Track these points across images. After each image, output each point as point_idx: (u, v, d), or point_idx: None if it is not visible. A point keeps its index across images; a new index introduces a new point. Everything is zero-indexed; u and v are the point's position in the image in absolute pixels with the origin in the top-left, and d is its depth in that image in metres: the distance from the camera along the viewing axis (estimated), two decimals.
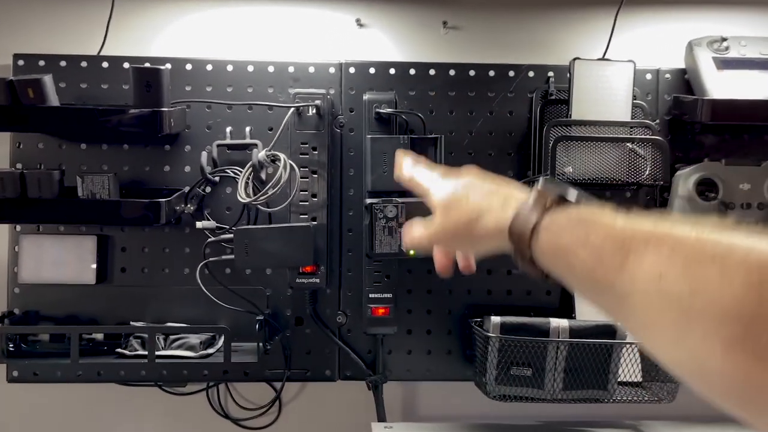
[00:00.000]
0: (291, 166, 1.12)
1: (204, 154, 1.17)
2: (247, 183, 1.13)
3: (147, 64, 1.14)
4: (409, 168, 0.77)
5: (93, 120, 1.07)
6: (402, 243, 0.87)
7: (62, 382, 1.21)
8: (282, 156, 1.12)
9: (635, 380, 1.12)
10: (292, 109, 1.15)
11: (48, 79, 1.08)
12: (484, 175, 0.69)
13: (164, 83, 1.09)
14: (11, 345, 1.12)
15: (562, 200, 0.59)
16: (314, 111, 1.17)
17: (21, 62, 1.21)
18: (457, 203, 0.67)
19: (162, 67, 1.10)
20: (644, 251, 0.47)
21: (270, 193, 1.09)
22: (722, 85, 1.20)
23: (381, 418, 1.22)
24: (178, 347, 1.12)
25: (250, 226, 1.15)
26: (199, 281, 1.13)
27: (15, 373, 1.20)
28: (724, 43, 1.23)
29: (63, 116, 1.08)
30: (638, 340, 0.50)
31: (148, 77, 1.08)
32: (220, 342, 1.17)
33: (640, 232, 0.49)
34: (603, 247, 0.51)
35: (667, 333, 0.45)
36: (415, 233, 0.72)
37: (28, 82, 1.07)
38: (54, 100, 1.09)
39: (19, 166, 1.20)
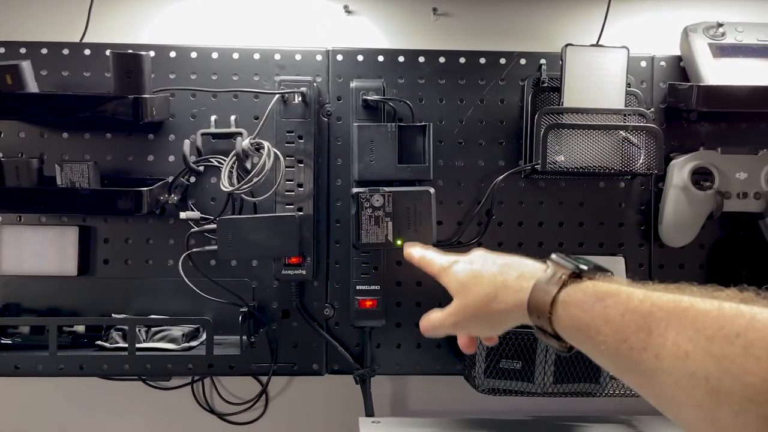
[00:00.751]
0: (275, 154, 1.09)
1: (187, 143, 1.14)
2: (231, 172, 1.11)
3: (130, 51, 1.12)
4: (420, 249, 0.85)
5: (72, 107, 1.04)
6: (420, 329, 0.83)
7: (44, 376, 1.18)
8: (266, 144, 1.09)
9: None
10: (276, 96, 1.12)
11: (26, 65, 1.06)
12: (492, 252, 0.71)
13: (145, 70, 1.07)
14: None
15: (577, 274, 0.59)
16: (300, 99, 1.15)
17: (1, 50, 1.19)
18: (474, 280, 0.68)
19: (143, 53, 1.07)
20: (667, 328, 0.47)
21: (254, 181, 1.06)
22: (718, 72, 1.17)
23: (369, 412, 1.20)
24: (160, 340, 1.09)
25: (233, 216, 1.12)
26: (182, 273, 1.10)
27: None
28: (720, 29, 1.20)
29: (42, 103, 1.05)
30: (669, 417, 0.49)
31: (128, 64, 1.06)
32: (203, 336, 1.14)
33: (661, 307, 0.49)
34: (624, 324, 0.50)
35: (698, 412, 0.44)
36: (435, 319, 0.73)
37: (6, 68, 1.04)
38: (33, 86, 1.07)
39: None
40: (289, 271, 1.15)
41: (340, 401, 1.25)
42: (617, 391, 1.07)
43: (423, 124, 1.13)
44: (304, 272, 1.15)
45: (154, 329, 1.11)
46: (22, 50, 1.19)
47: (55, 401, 1.24)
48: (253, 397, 1.24)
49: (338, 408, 1.25)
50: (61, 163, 1.07)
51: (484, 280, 0.67)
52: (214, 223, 1.12)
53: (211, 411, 1.24)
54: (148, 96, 1.07)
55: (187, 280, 1.10)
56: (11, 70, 1.04)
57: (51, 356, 1.03)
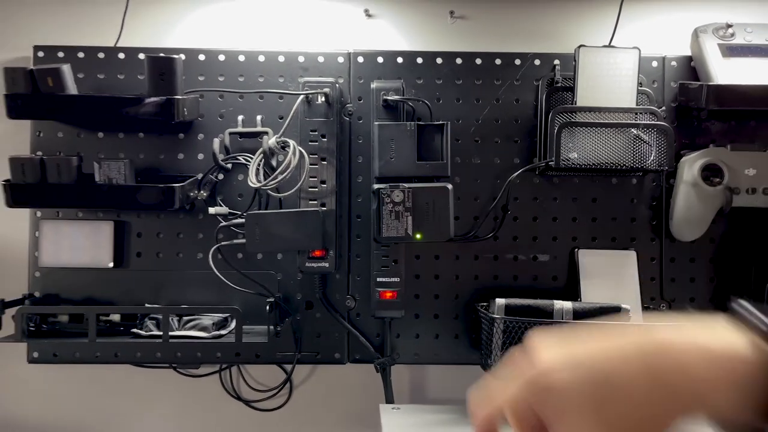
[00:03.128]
0: (300, 152, 1.15)
1: (216, 142, 1.20)
2: (257, 169, 1.16)
3: (161, 55, 1.18)
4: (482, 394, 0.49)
5: (110, 108, 1.11)
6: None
7: (80, 363, 1.25)
8: (291, 142, 1.15)
9: None
10: (301, 97, 1.18)
11: (66, 69, 1.12)
12: (598, 330, 0.46)
13: (177, 72, 1.13)
14: (32, 326, 1.16)
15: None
16: (323, 99, 1.20)
17: (41, 54, 1.25)
18: (618, 389, 0.42)
19: (175, 56, 1.13)
20: None
21: (280, 178, 1.12)
22: (728, 72, 1.21)
23: (389, 399, 1.25)
24: (192, 328, 1.15)
25: (261, 211, 1.18)
26: (211, 265, 1.16)
27: (35, 354, 1.25)
28: (730, 30, 1.24)
29: (81, 104, 1.12)
30: None
31: (162, 66, 1.12)
32: (233, 324, 1.20)
33: None
34: None
35: None
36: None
37: (48, 71, 1.11)
38: (72, 88, 1.13)
39: (39, 153, 1.24)
40: (312, 264, 1.21)
41: (360, 389, 1.30)
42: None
43: (441, 123, 1.18)
44: (327, 265, 1.21)
45: (185, 318, 1.17)
46: (60, 54, 1.25)
47: (90, 388, 1.30)
48: (278, 385, 1.29)
49: (359, 395, 1.30)
50: (99, 161, 1.13)
51: (641, 384, 0.42)
52: (243, 218, 1.18)
53: (238, 398, 1.30)
54: (180, 97, 1.13)
55: (217, 272, 1.16)
56: (52, 73, 1.10)
57: (90, 343, 1.10)
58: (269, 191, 1.17)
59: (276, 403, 1.30)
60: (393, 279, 1.21)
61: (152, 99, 1.11)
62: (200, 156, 1.26)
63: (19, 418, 1.30)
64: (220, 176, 1.25)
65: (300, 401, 1.31)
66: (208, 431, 1.31)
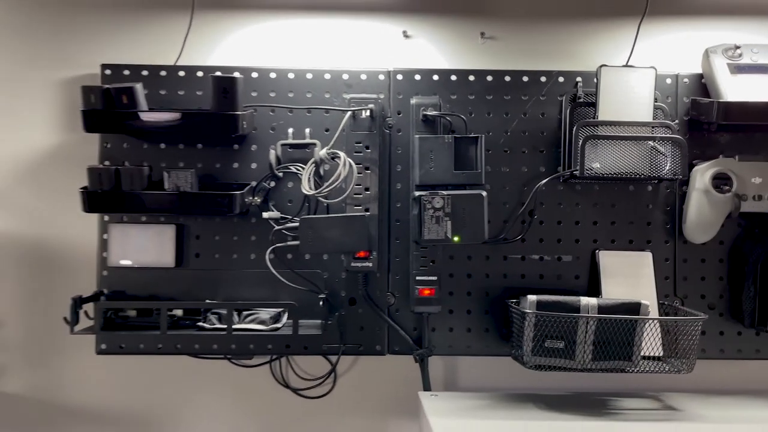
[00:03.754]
0: (350, 163, 1.27)
1: (272, 153, 1.32)
2: (309, 178, 1.28)
3: (218, 73, 1.30)
4: None
5: (179, 122, 1.23)
6: None
7: (145, 354, 1.37)
8: (342, 154, 1.27)
9: (657, 355, 1.25)
10: (349, 113, 1.30)
11: (139, 87, 1.24)
12: None
13: (238, 90, 1.25)
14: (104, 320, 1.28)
15: None
16: (368, 114, 1.32)
17: (108, 71, 1.37)
18: None
19: (237, 76, 1.25)
20: None
21: (332, 186, 1.24)
22: (736, 89, 1.33)
23: (426, 387, 1.37)
24: (251, 321, 1.27)
25: (313, 216, 1.30)
26: (268, 264, 1.28)
27: (103, 346, 1.37)
28: (738, 51, 1.35)
29: (153, 119, 1.24)
30: None
31: (225, 85, 1.23)
32: (284, 319, 1.32)
33: None
34: None
35: None
36: None
37: (123, 90, 1.22)
38: (144, 105, 1.25)
39: (107, 162, 1.36)
40: (357, 264, 1.33)
41: (399, 378, 1.42)
42: (648, 369, 1.23)
43: (476, 135, 1.29)
44: (370, 265, 1.33)
45: (245, 313, 1.29)
46: (126, 72, 1.38)
47: (152, 377, 1.42)
48: (323, 375, 1.41)
49: (398, 384, 1.42)
50: (168, 171, 1.25)
51: None
52: (296, 222, 1.29)
53: (287, 386, 1.42)
54: (240, 113, 1.25)
55: (273, 271, 1.28)
56: (127, 92, 1.22)
57: (153, 336, 1.22)
58: (319, 198, 1.29)
59: (321, 391, 1.42)
60: (431, 278, 1.33)
61: (216, 114, 1.23)
62: (253, 165, 1.38)
63: (87, 405, 1.41)
64: (272, 184, 1.37)
65: (344, 389, 1.43)
66: (259, 417, 1.42)
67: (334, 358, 1.40)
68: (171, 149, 1.38)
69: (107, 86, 1.23)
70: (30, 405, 1.41)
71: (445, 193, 1.25)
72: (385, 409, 1.43)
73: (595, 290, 1.36)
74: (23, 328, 1.40)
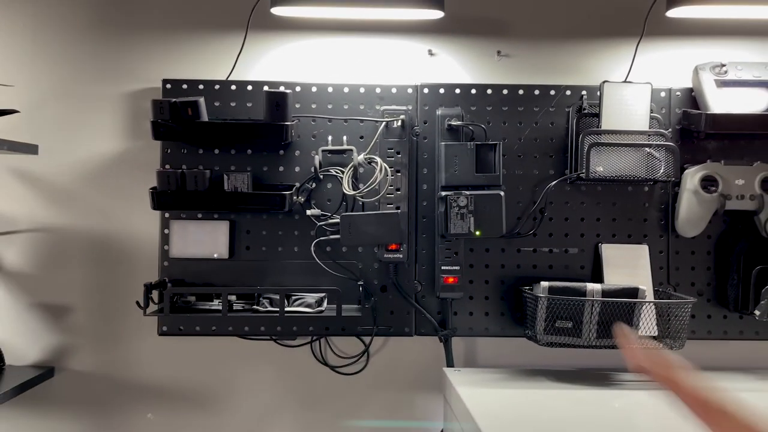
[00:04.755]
0: (385, 167, 1.45)
1: (317, 158, 1.50)
2: (348, 180, 1.47)
3: (266, 88, 1.49)
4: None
5: (237, 131, 1.41)
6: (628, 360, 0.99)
7: (201, 335, 1.55)
8: (378, 159, 1.45)
9: (652, 334, 1.44)
10: (383, 123, 1.48)
11: (202, 101, 1.42)
12: None
13: (289, 103, 1.43)
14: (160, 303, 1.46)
15: None
16: (399, 123, 1.50)
17: (168, 86, 1.55)
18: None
19: (288, 92, 1.43)
20: None
21: (370, 187, 1.42)
22: (721, 102, 1.51)
23: (450, 364, 1.55)
24: (299, 305, 1.46)
25: (352, 213, 1.48)
26: (314, 255, 1.47)
27: (165, 328, 1.55)
28: (724, 68, 1.54)
29: (214, 129, 1.42)
30: None
31: (277, 99, 1.42)
32: (325, 303, 1.50)
33: None
34: None
35: None
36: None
37: (188, 103, 1.41)
38: (205, 116, 1.43)
39: (167, 166, 1.54)
40: (390, 255, 1.51)
41: (424, 356, 1.60)
42: (645, 346, 1.41)
43: (494, 143, 1.48)
44: (401, 256, 1.51)
45: (293, 297, 1.47)
46: (184, 86, 1.56)
47: (206, 356, 1.60)
48: (357, 354, 1.59)
49: (423, 361, 1.60)
50: (227, 173, 1.44)
51: None
52: (337, 218, 1.48)
53: (325, 363, 1.60)
54: (290, 123, 1.43)
55: (319, 261, 1.47)
56: (192, 105, 1.40)
57: (222, 317, 1.40)
58: (357, 197, 1.47)
59: (356, 368, 1.60)
60: (454, 267, 1.51)
61: (270, 124, 1.41)
62: (297, 169, 1.56)
63: (149, 381, 1.59)
64: (314, 185, 1.55)
65: (375, 367, 1.61)
66: (300, 391, 1.61)
67: (367, 339, 1.59)
68: (224, 154, 1.56)
69: (174, 100, 1.41)
70: (99, 381, 1.59)
71: (468, 193, 1.44)
72: (412, 384, 1.61)
73: (598, 279, 1.55)
74: (93, 313, 1.58)
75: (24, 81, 1.56)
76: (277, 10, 1.44)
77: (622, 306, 1.39)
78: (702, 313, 1.57)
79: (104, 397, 1.59)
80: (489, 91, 1.57)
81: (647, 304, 1.40)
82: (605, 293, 1.40)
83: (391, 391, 1.62)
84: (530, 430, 1.19)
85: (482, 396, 1.33)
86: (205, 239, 1.54)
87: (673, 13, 1.46)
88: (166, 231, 1.55)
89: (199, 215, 1.55)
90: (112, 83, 1.58)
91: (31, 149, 1.47)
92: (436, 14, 1.45)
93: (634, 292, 1.40)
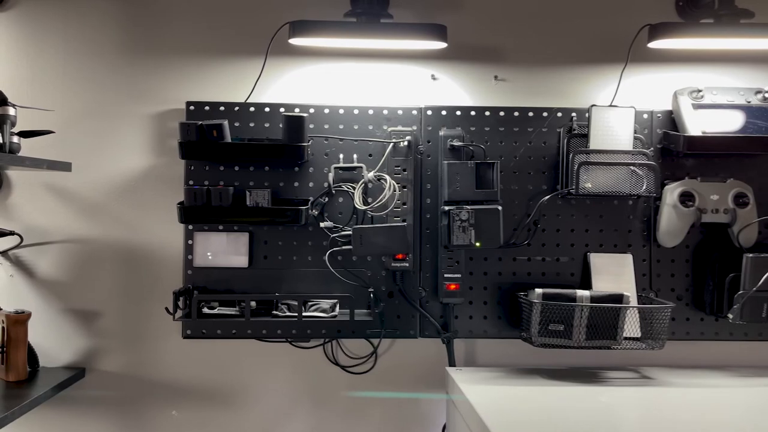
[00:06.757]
0: (393, 184, 1.59)
1: (330, 175, 1.64)
2: (360, 195, 1.60)
3: (282, 110, 1.62)
4: None
5: (259, 151, 1.54)
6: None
7: (222, 339, 1.68)
8: (388, 177, 1.59)
9: (635, 336, 1.58)
10: (392, 143, 1.62)
11: (226, 124, 1.55)
12: None
13: (305, 126, 1.56)
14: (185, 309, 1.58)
15: None
16: (406, 143, 1.64)
17: (192, 107, 1.68)
18: None
19: (305, 115, 1.57)
20: None
21: (380, 202, 1.56)
22: (698, 124, 1.66)
23: (452, 363, 1.69)
24: (315, 310, 1.59)
25: (363, 225, 1.61)
26: (328, 265, 1.60)
27: (189, 332, 1.68)
28: (700, 93, 1.69)
29: (238, 149, 1.55)
30: None
31: (296, 122, 1.55)
32: (337, 309, 1.63)
33: None
34: None
35: None
36: None
37: (213, 126, 1.53)
38: (228, 137, 1.56)
39: (191, 182, 1.67)
40: (397, 264, 1.65)
41: (428, 356, 1.74)
42: (629, 346, 1.57)
43: (492, 161, 1.62)
44: (407, 265, 1.65)
45: (309, 303, 1.60)
46: (206, 108, 1.68)
47: (227, 357, 1.73)
48: (366, 355, 1.73)
49: (427, 361, 1.74)
50: (249, 190, 1.57)
51: None
52: (347, 230, 1.61)
53: (336, 363, 1.73)
54: (306, 144, 1.57)
55: (333, 270, 1.60)
56: (217, 127, 1.53)
57: (245, 321, 1.53)
58: (367, 211, 1.60)
59: (365, 368, 1.74)
60: (456, 275, 1.65)
61: (288, 145, 1.54)
62: (311, 184, 1.69)
63: (173, 382, 1.72)
64: (326, 199, 1.68)
65: (383, 366, 1.74)
66: (313, 388, 1.74)
67: (375, 341, 1.72)
68: (243, 170, 1.68)
69: (201, 123, 1.54)
70: (127, 381, 1.71)
71: (469, 207, 1.58)
72: (416, 382, 1.75)
73: (587, 285, 1.70)
74: (121, 318, 1.71)
75: (57, 103, 1.68)
76: (295, 41, 1.58)
77: (608, 310, 1.53)
78: (681, 316, 1.72)
79: (132, 396, 1.71)
80: (487, 113, 1.71)
81: (631, 308, 1.55)
82: (593, 299, 1.54)
83: (397, 388, 1.75)
84: (528, 421, 1.33)
85: (484, 392, 1.47)
86: (226, 249, 1.67)
87: (654, 45, 1.61)
88: (190, 242, 1.68)
89: (220, 227, 1.68)
90: (139, 104, 1.70)
91: (65, 166, 1.60)
92: (440, 45, 1.59)
93: (619, 298, 1.54)
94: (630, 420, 1.41)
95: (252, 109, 1.69)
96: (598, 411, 1.41)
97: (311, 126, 1.68)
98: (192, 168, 1.68)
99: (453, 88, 1.75)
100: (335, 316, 1.61)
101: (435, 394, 1.73)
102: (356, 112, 1.70)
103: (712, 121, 1.68)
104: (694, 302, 1.73)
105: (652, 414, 1.42)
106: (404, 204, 1.65)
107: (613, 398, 1.49)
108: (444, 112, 1.71)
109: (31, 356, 1.63)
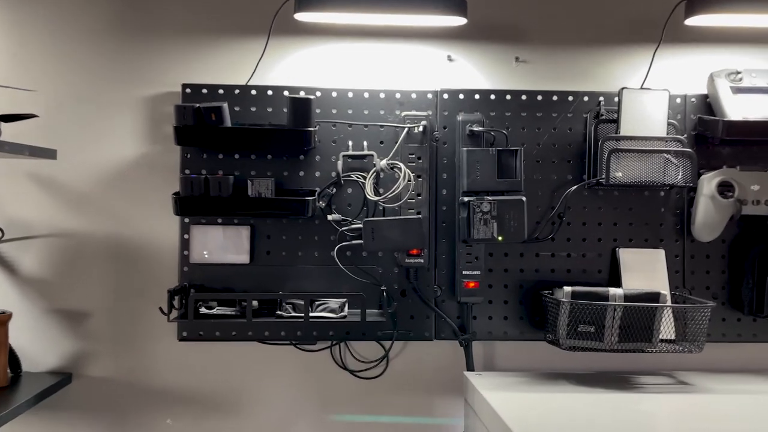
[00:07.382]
0: (408, 173, 1.46)
1: (339, 163, 1.51)
2: (371, 185, 1.47)
3: (286, 93, 1.49)
4: None
5: (262, 137, 1.41)
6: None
7: (221, 341, 1.55)
8: (402, 165, 1.46)
9: (670, 338, 1.46)
10: (406, 129, 1.49)
11: (225, 106, 1.42)
12: None
13: (312, 109, 1.43)
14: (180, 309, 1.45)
15: None
16: (420, 129, 1.51)
17: (188, 90, 1.55)
18: None
19: (311, 97, 1.44)
20: None
21: (394, 193, 1.43)
22: (736, 108, 1.54)
23: (470, 368, 1.56)
24: (323, 310, 1.46)
25: (375, 218, 1.48)
26: (336, 260, 1.47)
27: (185, 333, 1.54)
28: (739, 75, 1.56)
29: (237, 135, 1.42)
30: None
31: (301, 105, 1.42)
32: (346, 308, 1.50)
33: None
34: None
35: None
36: None
37: (212, 109, 1.40)
38: (228, 122, 1.43)
39: (187, 171, 1.53)
40: (411, 260, 1.52)
41: (444, 360, 1.61)
42: (666, 349, 1.44)
43: (515, 148, 1.49)
44: (422, 261, 1.52)
45: (316, 303, 1.47)
46: (204, 91, 1.55)
47: (226, 361, 1.59)
48: (377, 358, 1.60)
49: (443, 365, 1.61)
50: (251, 179, 1.43)
51: None
52: (357, 224, 1.48)
53: (345, 368, 1.60)
54: (313, 129, 1.44)
55: (342, 266, 1.47)
56: (215, 110, 1.40)
57: (247, 323, 1.40)
58: (379, 202, 1.47)
59: (375, 372, 1.61)
60: (475, 272, 1.52)
61: (293, 130, 1.41)
62: (317, 174, 1.56)
63: (168, 387, 1.58)
64: (334, 190, 1.55)
65: (395, 371, 1.61)
66: (320, 395, 1.61)
67: (387, 344, 1.59)
68: (244, 159, 1.55)
69: (198, 105, 1.41)
70: (117, 387, 1.57)
71: (491, 198, 1.45)
72: (431, 388, 1.62)
73: (615, 283, 1.57)
74: (111, 319, 1.57)
75: (42, 85, 1.54)
76: (300, 16, 1.45)
77: (643, 310, 1.40)
78: (717, 316, 1.60)
79: (123, 403, 1.58)
80: (508, 97, 1.59)
81: (668, 308, 1.42)
82: (627, 298, 1.41)
83: (410, 395, 1.62)
84: (563, 430, 1.20)
85: (509, 399, 1.34)
86: (227, 244, 1.53)
87: (692, 21, 1.48)
88: (186, 236, 1.54)
89: (219, 220, 1.55)
90: (131, 87, 1.57)
91: (49, 154, 1.46)
92: (459, 21, 1.46)
93: (655, 297, 1.41)
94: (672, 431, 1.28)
95: (253, 92, 1.56)
96: (639, 422, 1.28)
97: (318, 111, 1.55)
98: (188, 156, 1.55)
99: (470, 71, 1.62)
100: (345, 317, 1.47)
101: (452, 401, 1.60)
102: (366, 95, 1.57)
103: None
104: (730, 301, 1.61)
105: (701, 426, 1.28)
106: (419, 195, 1.52)
107: (653, 406, 1.36)
108: (461, 96, 1.58)
109: (13, 360, 1.50)
